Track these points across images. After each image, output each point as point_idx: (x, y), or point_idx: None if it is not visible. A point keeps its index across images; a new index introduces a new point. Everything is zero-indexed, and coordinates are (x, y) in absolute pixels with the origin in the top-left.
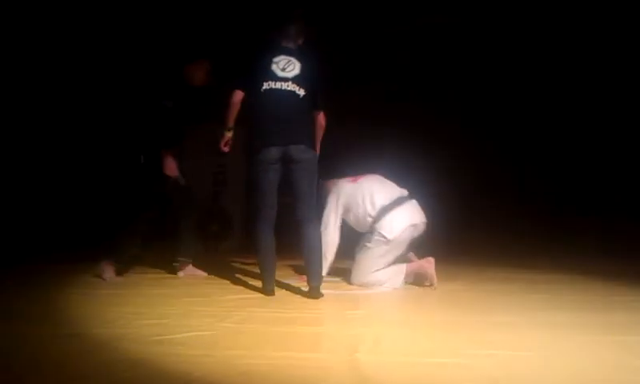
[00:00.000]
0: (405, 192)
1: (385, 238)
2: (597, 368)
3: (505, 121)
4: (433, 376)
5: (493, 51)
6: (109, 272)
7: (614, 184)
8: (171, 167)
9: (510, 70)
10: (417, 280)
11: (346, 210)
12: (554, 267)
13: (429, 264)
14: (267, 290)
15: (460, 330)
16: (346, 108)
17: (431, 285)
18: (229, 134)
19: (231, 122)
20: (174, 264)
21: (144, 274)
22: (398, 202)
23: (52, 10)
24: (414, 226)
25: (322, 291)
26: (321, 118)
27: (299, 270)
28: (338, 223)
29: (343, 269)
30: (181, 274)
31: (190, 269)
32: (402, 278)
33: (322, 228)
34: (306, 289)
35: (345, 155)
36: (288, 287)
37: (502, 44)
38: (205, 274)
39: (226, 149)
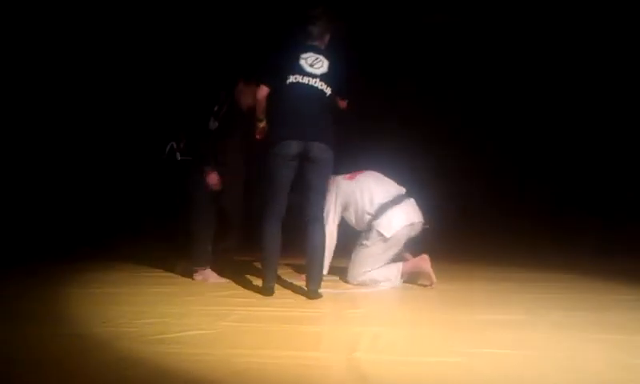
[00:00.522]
0: (403, 190)
1: (383, 235)
2: (596, 367)
3: (505, 120)
4: (432, 375)
5: (494, 51)
6: (209, 275)
7: (614, 184)
8: (213, 179)
9: (510, 69)
10: (412, 278)
11: (345, 208)
12: (553, 266)
13: (424, 261)
14: (267, 288)
15: (459, 328)
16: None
17: (430, 283)
18: (261, 124)
19: (261, 115)
20: (193, 268)
21: (144, 272)
22: (396, 200)
23: (86, 13)
24: (412, 225)
25: (321, 291)
26: (343, 102)
27: (300, 270)
28: (337, 221)
29: (340, 267)
30: (198, 277)
31: (209, 273)
32: (399, 276)
33: None
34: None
35: (345, 154)
36: (288, 286)
37: (503, 43)
38: (225, 280)
39: (260, 136)
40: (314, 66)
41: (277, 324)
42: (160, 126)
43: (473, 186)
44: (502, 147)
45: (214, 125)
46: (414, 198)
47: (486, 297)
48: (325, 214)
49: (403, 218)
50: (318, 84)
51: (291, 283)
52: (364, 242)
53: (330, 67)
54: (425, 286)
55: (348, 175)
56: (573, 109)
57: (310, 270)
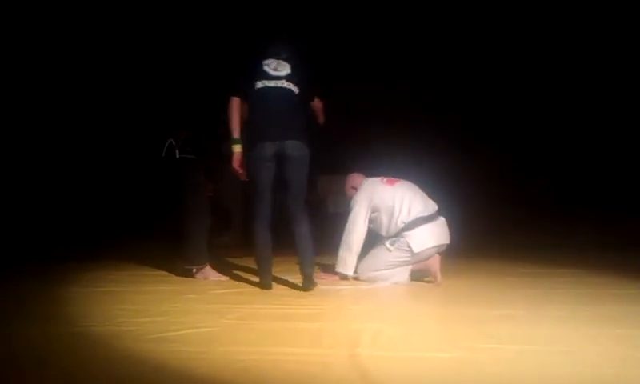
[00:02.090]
0: (436, 207)
1: (411, 249)
2: (597, 361)
3: (505, 115)
4: (434, 370)
5: (494, 49)
6: (209, 273)
7: (615, 178)
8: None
9: (511, 67)
10: (416, 275)
11: (375, 210)
12: (553, 261)
13: (434, 261)
14: (264, 284)
15: (461, 323)
16: (336, 105)
17: (435, 281)
18: (238, 149)
19: (237, 132)
20: (186, 267)
21: (145, 271)
22: (431, 217)
23: (87, 13)
24: (439, 246)
25: (324, 288)
26: (317, 102)
27: (326, 269)
28: (367, 221)
29: (330, 264)
30: (199, 275)
31: (208, 271)
32: (407, 274)
33: (351, 223)
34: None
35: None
36: (288, 283)
37: (503, 42)
38: (225, 278)
39: (241, 171)
40: (278, 69)
41: (278, 321)
42: (158, 125)
43: (474, 182)
44: (502, 143)
45: (223, 115)
46: (444, 216)
47: (487, 292)
48: (356, 213)
49: (434, 237)
50: (285, 84)
51: (290, 281)
52: (388, 245)
53: (292, 68)
54: (428, 282)
55: (386, 179)
56: (571, 104)
57: (303, 266)
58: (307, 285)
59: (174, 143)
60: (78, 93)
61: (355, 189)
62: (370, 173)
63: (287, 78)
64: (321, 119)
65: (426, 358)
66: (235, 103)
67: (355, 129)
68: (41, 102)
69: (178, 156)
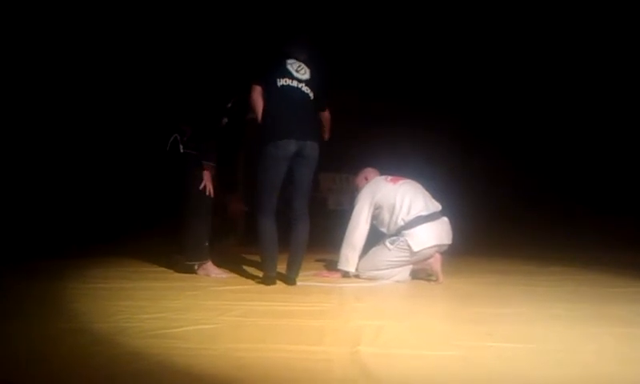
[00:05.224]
0: (439, 207)
1: (410, 248)
2: (597, 360)
3: (507, 116)
4: (434, 368)
5: (495, 51)
6: (211, 269)
7: (615, 179)
8: (208, 176)
9: (513, 70)
10: (417, 273)
11: (377, 208)
12: (555, 260)
13: (435, 261)
14: (268, 280)
15: (461, 322)
16: (342, 107)
17: (436, 280)
18: None
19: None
20: (187, 263)
21: (145, 268)
22: (432, 216)
23: (89, 10)
24: (440, 246)
25: (325, 285)
26: (327, 114)
27: (329, 266)
28: (370, 218)
29: (330, 260)
30: (201, 271)
31: (210, 267)
32: (407, 273)
33: (354, 222)
34: (319, 284)
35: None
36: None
37: (504, 44)
38: (227, 275)
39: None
40: (299, 71)
41: (279, 318)
42: (161, 120)
43: (475, 182)
44: (503, 143)
45: (224, 120)
46: (447, 216)
47: (488, 290)
48: (358, 211)
49: (434, 237)
50: (304, 88)
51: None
52: (388, 244)
53: (312, 74)
54: (430, 281)
55: (390, 178)
56: (571, 104)
57: (292, 260)
58: (290, 284)
59: (179, 138)
60: (79, 92)
61: (367, 180)
62: (381, 171)
63: (306, 82)
64: (326, 135)
65: (426, 355)
66: (257, 91)
67: (356, 129)
68: (41, 100)
69: (182, 151)
